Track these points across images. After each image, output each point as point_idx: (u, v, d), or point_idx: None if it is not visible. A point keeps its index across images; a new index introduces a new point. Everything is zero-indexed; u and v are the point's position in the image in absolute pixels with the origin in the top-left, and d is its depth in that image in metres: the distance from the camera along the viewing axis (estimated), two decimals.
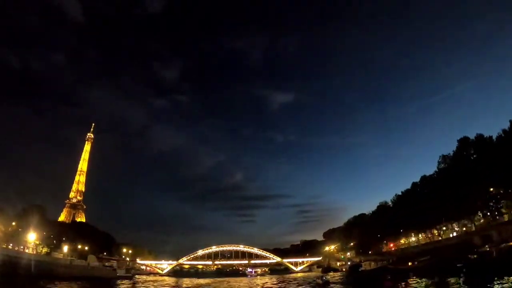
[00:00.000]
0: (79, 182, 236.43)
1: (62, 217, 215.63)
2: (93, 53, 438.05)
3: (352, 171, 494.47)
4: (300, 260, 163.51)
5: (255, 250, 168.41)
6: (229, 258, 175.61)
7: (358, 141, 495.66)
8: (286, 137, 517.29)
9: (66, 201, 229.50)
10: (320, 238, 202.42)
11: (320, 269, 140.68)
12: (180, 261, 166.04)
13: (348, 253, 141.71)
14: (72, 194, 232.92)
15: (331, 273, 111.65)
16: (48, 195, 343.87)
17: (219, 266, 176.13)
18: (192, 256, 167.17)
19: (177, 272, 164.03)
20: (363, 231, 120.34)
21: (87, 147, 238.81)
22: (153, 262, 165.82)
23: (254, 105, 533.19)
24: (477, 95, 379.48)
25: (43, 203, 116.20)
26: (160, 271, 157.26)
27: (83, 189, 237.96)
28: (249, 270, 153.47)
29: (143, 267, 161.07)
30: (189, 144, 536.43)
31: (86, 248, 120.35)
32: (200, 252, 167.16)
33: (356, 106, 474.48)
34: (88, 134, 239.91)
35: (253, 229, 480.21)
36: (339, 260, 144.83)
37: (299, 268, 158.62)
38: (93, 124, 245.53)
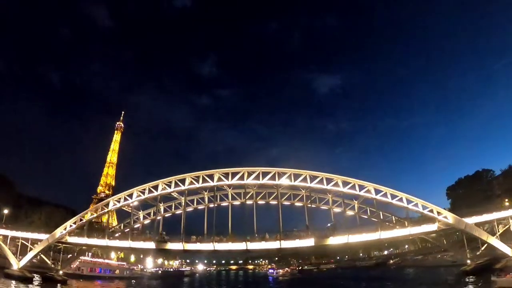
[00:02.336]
0: (108, 175, 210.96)
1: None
2: (128, 57, 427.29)
3: (411, 155, 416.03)
4: None
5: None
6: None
7: (417, 122, 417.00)
8: (338, 125, 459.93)
9: (93, 196, 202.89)
10: None
11: None
12: None
13: None
14: (100, 189, 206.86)
15: None
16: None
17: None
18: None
19: None
20: None
21: (117, 136, 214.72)
22: None
23: (300, 92, 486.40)
24: None
25: None
26: None
27: (113, 183, 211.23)
28: (270, 271, 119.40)
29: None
30: (243, 142, 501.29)
31: None
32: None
33: (411, 82, 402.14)
34: (118, 122, 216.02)
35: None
36: None
37: None
38: (123, 112, 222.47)
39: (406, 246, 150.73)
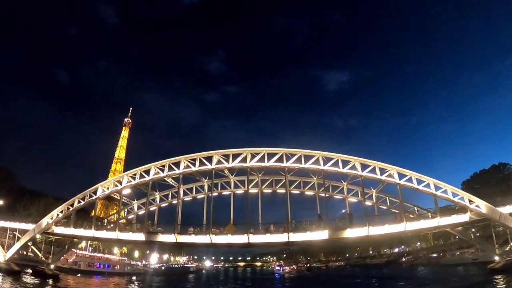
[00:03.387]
0: (116, 171, 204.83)
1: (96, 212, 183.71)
2: (135, 54, 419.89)
3: (420, 152, 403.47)
4: None
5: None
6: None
7: (426, 119, 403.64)
8: (346, 121, 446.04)
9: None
10: None
11: None
12: None
13: None
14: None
15: None
16: None
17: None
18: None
19: None
20: None
21: (125, 133, 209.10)
22: None
23: (308, 89, 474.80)
24: None
25: None
26: None
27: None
28: (277, 268, 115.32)
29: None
30: (250, 138, 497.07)
31: None
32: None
33: (420, 78, 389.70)
34: (126, 118, 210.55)
35: None
36: None
37: None
38: (131, 108, 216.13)
39: (418, 243, 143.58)
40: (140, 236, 38.98)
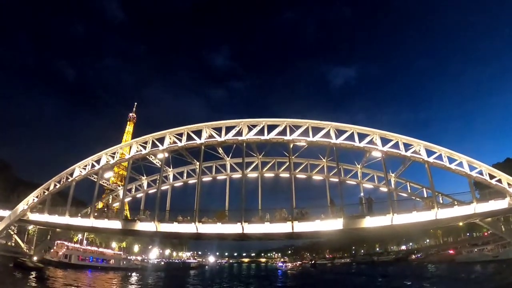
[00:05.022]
0: (120, 165, 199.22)
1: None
2: (142, 50, 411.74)
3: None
4: None
5: None
6: None
7: (434, 115, 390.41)
8: (353, 117, 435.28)
9: (105, 187, 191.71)
10: None
11: None
12: None
13: None
14: (112, 180, 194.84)
15: None
16: None
17: None
18: None
19: None
20: None
21: (130, 128, 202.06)
22: None
23: (315, 84, 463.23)
24: None
25: None
26: None
27: (125, 173, 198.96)
28: (279, 264, 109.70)
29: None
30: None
31: None
32: None
33: (428, 74, 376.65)
34: (131, 113, 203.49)
35: None
36: None
37: None
38: (135, 103, 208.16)
39: (427, 240, 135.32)
40: (116, 224, 31.78)
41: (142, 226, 30.49)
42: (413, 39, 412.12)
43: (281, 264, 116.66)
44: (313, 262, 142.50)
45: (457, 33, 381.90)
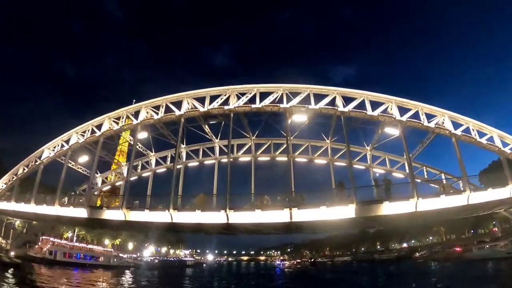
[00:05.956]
0: (118, 163, 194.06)
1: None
2: (141, 48, 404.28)
3: (430, 150, 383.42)
4: None
5: None
6: None
7: None
8: None
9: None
10: None
11: None
12: None
13: None
14: (110, 177, 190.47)
15: None
16: None
17: None
18: None
19: None
20: None
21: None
22: None
23: (315, 83, 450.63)
24: None
25: None
26: None
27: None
28: (277, 262, 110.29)
29: None
30: None
31: None
32: None
33: (428, 73, 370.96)
34: None
35: None
36: None
37: None
38: (134, 100, 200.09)
39: (431, 237, 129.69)
40: (82, 212, 26.15)
41: (109, 214, 24.82)
42: (413, 38, 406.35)
43: (279, 262, 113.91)
44: (312, 260, 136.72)
45: (457, 33, 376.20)
